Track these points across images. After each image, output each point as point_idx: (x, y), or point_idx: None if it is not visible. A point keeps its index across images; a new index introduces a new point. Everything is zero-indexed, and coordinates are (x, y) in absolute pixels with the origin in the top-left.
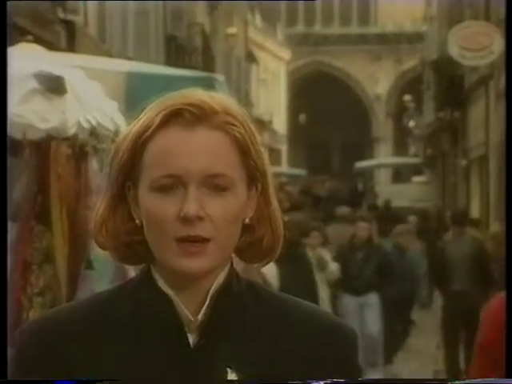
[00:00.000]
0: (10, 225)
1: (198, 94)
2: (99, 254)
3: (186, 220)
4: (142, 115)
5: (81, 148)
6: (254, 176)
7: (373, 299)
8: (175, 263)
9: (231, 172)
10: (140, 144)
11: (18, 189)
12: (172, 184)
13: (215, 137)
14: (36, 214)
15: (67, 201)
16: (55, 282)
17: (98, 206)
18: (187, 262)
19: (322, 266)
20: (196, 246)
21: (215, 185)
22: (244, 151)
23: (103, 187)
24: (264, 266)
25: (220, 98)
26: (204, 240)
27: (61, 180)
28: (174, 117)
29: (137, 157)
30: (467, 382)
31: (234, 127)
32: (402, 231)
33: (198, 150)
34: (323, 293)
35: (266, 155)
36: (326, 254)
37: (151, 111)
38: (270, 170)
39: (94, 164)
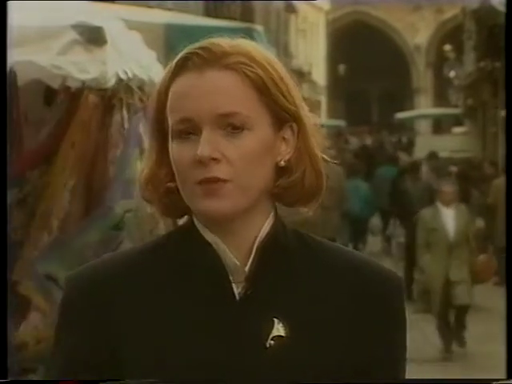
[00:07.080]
0: None
1: (213, 39)
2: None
3: (200, 163)
4: None
5: (109, 99)
6: (281, 117)
7: None
8: (199, 205)
9: (246, 110)
10: (163, 94)
11: (43, 132)
12: (187, 129)
13: (226, 76)
14: (44, 158)
15: (85, 151)
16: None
17: (145, 158)
18: (208, 202)
19: None
20: (214, 186)
21: (229, 125)
22: (261, 91)
23: (124, 141)
24: (311, 210)
25: (240, 42)
26: (222, 181)
27: (83, 129)
28: (184, 62)
29: (162, 107)
30: None
31: (248, 67)
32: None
33: (208, 91)
34: None
35: (297, 96)
36: None
37: (171, 61)
38: (305, 110)
39: (118, 117)
